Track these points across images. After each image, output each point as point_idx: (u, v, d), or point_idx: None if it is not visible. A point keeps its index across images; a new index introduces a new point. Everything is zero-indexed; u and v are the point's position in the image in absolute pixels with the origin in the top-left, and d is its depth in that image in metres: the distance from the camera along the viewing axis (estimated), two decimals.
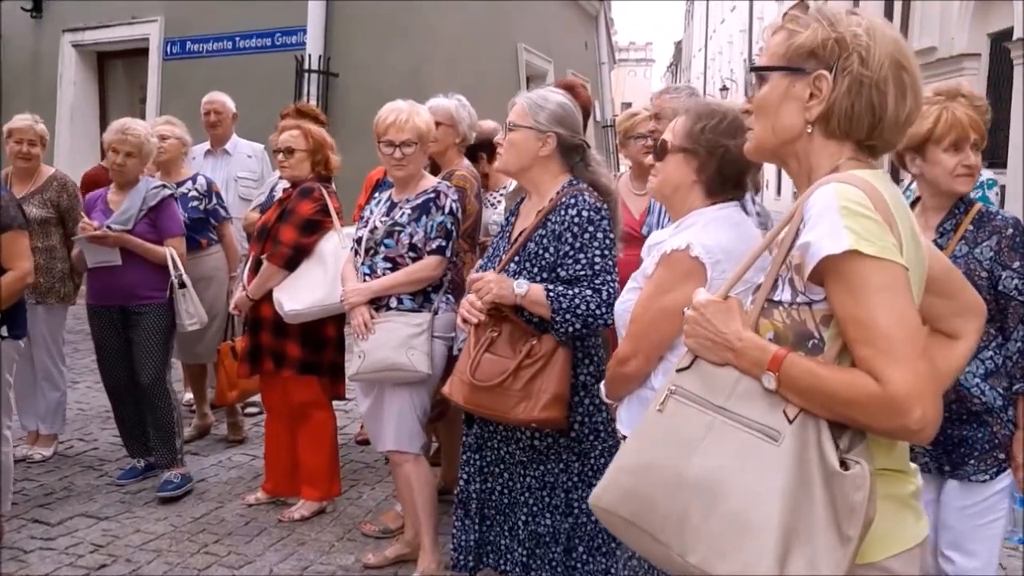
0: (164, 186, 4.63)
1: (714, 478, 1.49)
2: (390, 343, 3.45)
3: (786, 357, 1.47)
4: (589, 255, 2.73)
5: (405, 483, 3.64)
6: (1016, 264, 2.51)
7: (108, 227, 4.37)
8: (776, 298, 1.55)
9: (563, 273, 2.74)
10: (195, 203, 5.05)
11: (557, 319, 2.69)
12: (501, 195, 4.54)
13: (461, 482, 3.05)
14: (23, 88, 10.77)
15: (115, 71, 11.33)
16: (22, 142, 4.82)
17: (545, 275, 2.77)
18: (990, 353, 2.53)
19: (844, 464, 1.43)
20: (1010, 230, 2.54)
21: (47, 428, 5.09)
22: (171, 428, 4.54)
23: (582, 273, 2.72)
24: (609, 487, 1.66)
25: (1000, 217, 2.58)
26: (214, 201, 5.18)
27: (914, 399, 1.36)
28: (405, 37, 8.90)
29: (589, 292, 2.69)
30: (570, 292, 2.70)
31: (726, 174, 2.22)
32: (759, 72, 1.67)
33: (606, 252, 2.75)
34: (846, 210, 1.42)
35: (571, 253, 2.74)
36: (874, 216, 1.42)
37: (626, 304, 2.29)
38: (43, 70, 11.00)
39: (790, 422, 1.46)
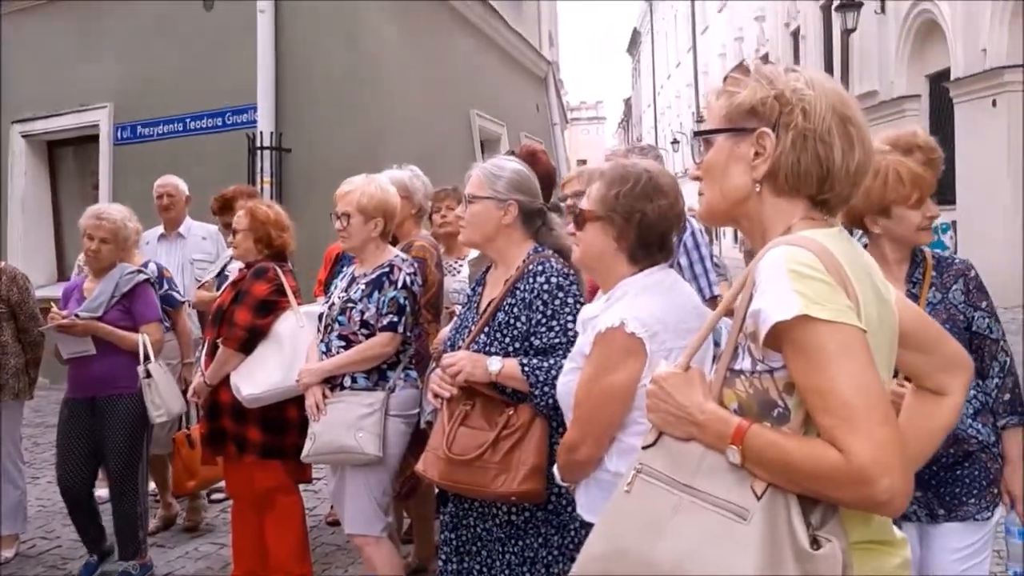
0: (140, 271, 4.56)
1: (681, 563, 1.42)
2: (340, 424, 3.41)
3: (748, 429, 1.41)
4: (562, 322, 2.70)
5: (370, 565, 3.56)
6: (984, 304, 2.57)
7: (76, 315, 4.29)
8: (737, 367, 1.50)
9: (537, 342, 2.71)
10: None
11: (536, 392, 2.65)
12: (463, 262, 4.54)
13: (440, 563, 2.96)
14: None
15: (66, 159, 11.26)
16: None
17: (517, 345, 2.73)
18: (973, 392, 2.56)
19: (816, 542, 1.36)
20: (972, 272, 2.60)
21: (8, 528, 4.93)
22: (135, 520, 4.42)
23: (556, 341, 2.69)
24: (581, 572, 1.60)
25: (958, 261, 2.64)
26: (166, 287, 5.11)
27: (880, 469, 1.30)
28: (357, 110, 8.94)
29: (564, 361, 2.64)
30: (545, 364, 2.66)
31: (647, 240, 2.19)
32: (703, 136, 1.64)
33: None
34: (795, 273, 1.38)
35: (544, 321, 2.71)
36: (825, 278, 1.38)
37: (568, 385, 2.24)
38: None
39: (758, 498, 1.39)
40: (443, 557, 2.95)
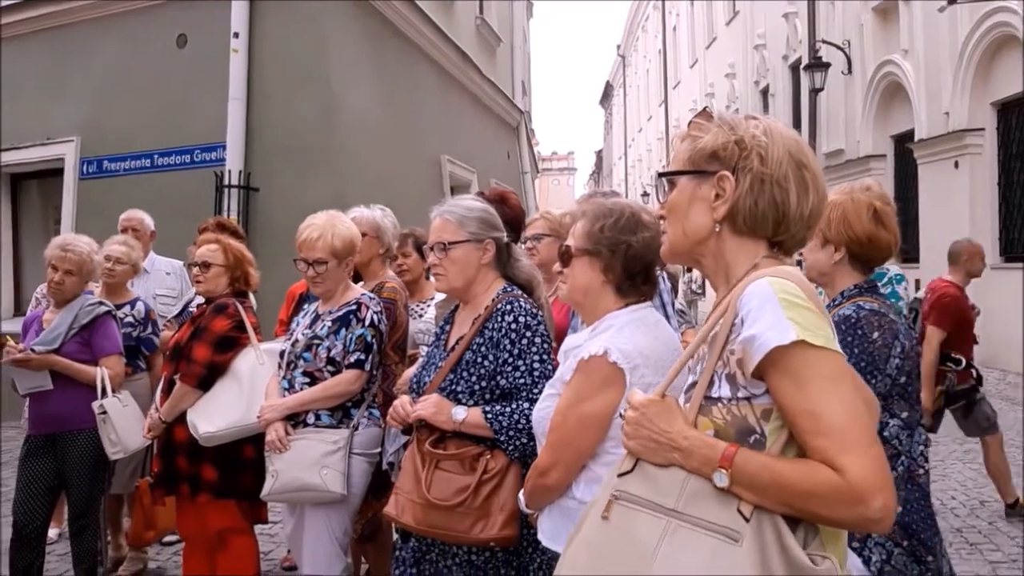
0: (101, 303, 4.46)
1: None
2: (303, 462, 3.35)
3: (737, 453, 1.45)
4: (528, 362, 2.69)
5: None
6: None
7: (32, 348, 4.18)
8: (714, 395, 1.54)
9: (503, 382, 2.69)
10: (128, 329, 4.86)
11: (502, 439, 2.62)
12: (425, 305, 4.51)
13: None
14: None
15: (29, 192, 11.14)
16: None
17: (484, 384, 2.71)
18: None
19: (812, 560, 1.40)
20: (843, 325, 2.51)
21: None
22: (95, 555, 4.31)
23: (521, 381, 2.67)
24: None
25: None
26: (149, 330, 5.02)
27: (874, 488, 1.36)
28: (326, 151, 8.94)
29: (527, 404, 2.61)
30: (507, 409, 2.64)
31: (632, 270, 2.23)
32: (667, 177, 1.71)
33: (544, 357, 2.71)
34: (786, 302, 1.45)
35: (510, 360, 2.69)
36: (811, 307, 1.46)
37: (544, 411, 2.25)
38: None
39: (747, 520, 1.43)
40: None
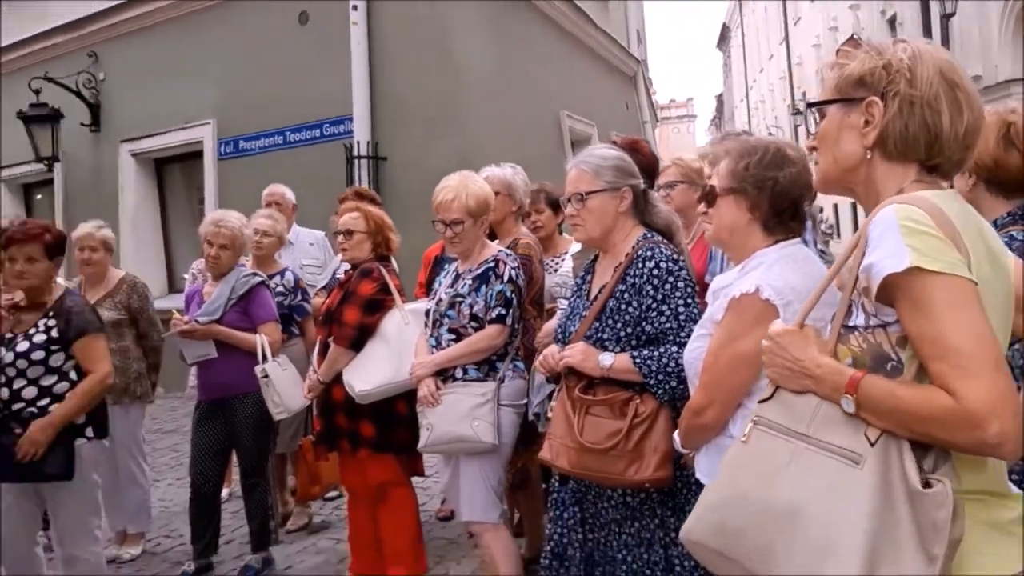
0: (255, 274, 4.72)
1: (797, 506, 1.52)
2: (455, 415, 3.48)
3: (863, 379, 1.49)
4: (672, 306, 2.71)
5: (487, 553, 3.62)
6: None
7: (196, 320, 4.47)
8: (851, 323, 1.58)
9: (648, 327, 2.72)
10: (280, 298, 5.10)
11: (652, 383, 2.66)
12: (559, 259, 4.57)
13: (556, 536, 2.94)
14: (87, 200, 11.20)
15: (172, 175, 11.72)
16: (84, 249, 4.98)
17: (629, 330, 2.74)
18: None
19: (927, 484, 1.43)
20: None
21: (134, 527, 5.16)
22: (266, 512, 4.61)
23: (667, 326, 2.69)
24: (698, 521, 1.71)
25: None
26: (299, 297, 5.26)
27: (990, 412, 1.36)
28: (449, 116, 9.07)
29: (675, 348, 2.63)
30: (656, 353, 2.67)
31: (780, 207, 2.20)
32: (816, 106, 1.72)
33: (689, 301, 2.72)
34: (906, 228, 1.45)
35: (654, 306, 2.71)
36: (935, 233, 1.45)
37: (696, 352, 2.26)
38: (104, 181, 11.43)
39: (872, 444, 1.48)
40: (562, 530, 2.92)
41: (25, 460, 3.56)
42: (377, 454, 4.10)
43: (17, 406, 3.64)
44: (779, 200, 2.18)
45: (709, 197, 2.29)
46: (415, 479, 4.39)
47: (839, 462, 1.50)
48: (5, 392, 3.66)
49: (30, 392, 3.65)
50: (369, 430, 4.08)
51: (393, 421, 4.10)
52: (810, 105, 1.75)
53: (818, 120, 1.72)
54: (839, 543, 1.45)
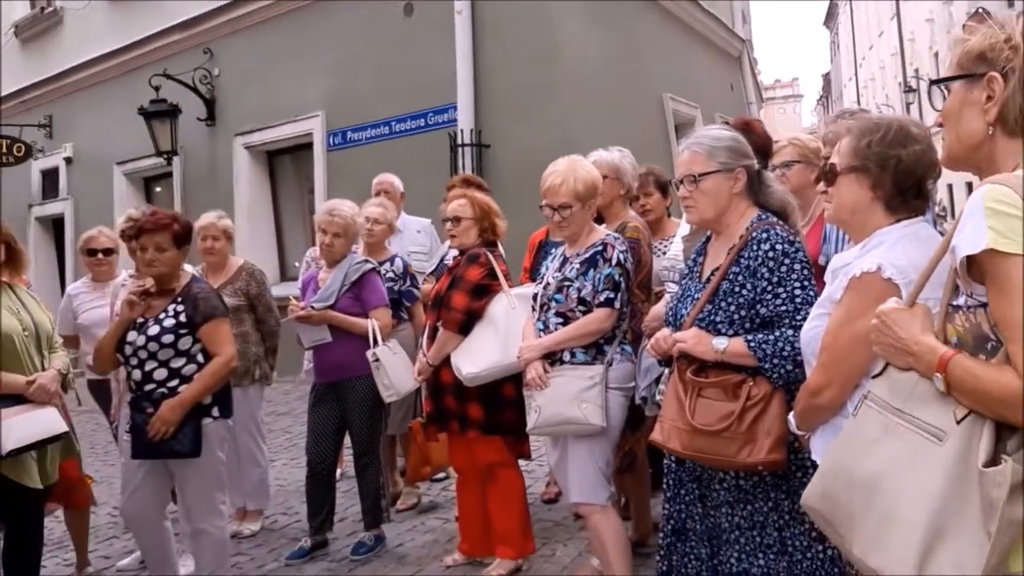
0: (367, 261, 4.86)
1: (877, 477, 1.62)
2: (563, 397, 3.51)
3: (952, 358, 1.53)
4: (788, 288, 2.67)
5: (595, 534, 3.65)
6: None
7: (311, 306, 4.64)
8: (956, 303, 1.61)
9: (763, 310, 2.69)
10: (390, 284, 5.20)
11: (767, 366, 2.64)
12: (668, 242, 4.55)
13: (675, 514, 2.93)
14: (204, 192, 11.70)
15: (284, 166, 12.10)
16: (207, 238, 5.20)
17: (743, 313, 2.72)
18: None
19: (995, 463, 1.46)
20: None
21: (253, 504, 5.39)
22: (377, 491, 4.76)
23: (783, 308, 2.66)
24: (812, 487, 1.85)
25: None
26: (408, 283, 5.38)
27: None
28: (551, 101, 9.10)
29: (791, 332, 2.60)
30: (771, 337, 2.65)
31: (904, 185, 2.14)
32: (943, 83, 1.72)
33: (806, 283, 2.68)
34: (991, 209, 1.47)
35: (769, 288, 2.68)
36: (1018, 214, 1.45)
37: (813, 331, 2.22)
38: (219, 173, 11.90)
39: (957, 423, 1.51)
40: (681, 506, 2.91)
41: (156, 438, 3.76)
42: (485, 436, 4.19)
43: (148, 387, 3.85)
44: (902, 178, 2.13)
45: (829, 176, 2.24)
46: (521, 462, 4.46)
47: (923, 438, 1.56)
48: (137, 374, 3.87)
49: (160, 374, 3.85)
50: (477, 412, 4.16)
51: (500, 403, 4.18)
52: (933, 82, 1.73)
53: (946, 96, 1.71)
54: (905, 515, 1.53)
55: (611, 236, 3.72)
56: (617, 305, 3.56)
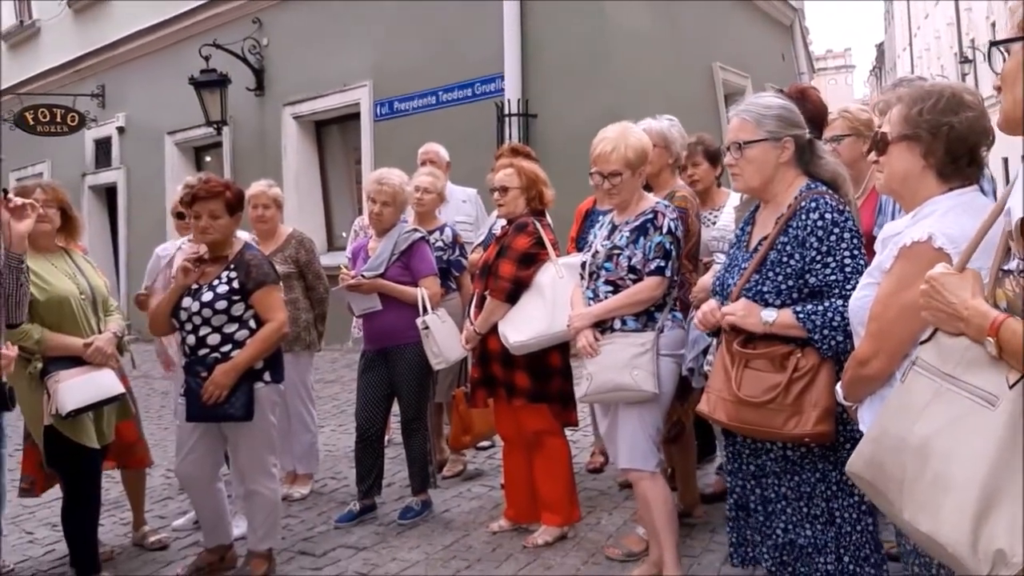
0: (416, 230, 4.89)
1: (928, 442, 1.62)
2: (615, 364, 3.51)
3: (1004, 321, 1.52)
4: (838, 258, 2.64)
5: (643, 501, 3.66)
6: None
7: (362, 275, 4.69)
8: (1007, 267, 1.61)
9: (812, 280, 2.67)
10: (439, 253, 5.22)
11: (816, 338, 2.62)
12: (717, 212, 4.52)
13: (738, 488, 2.93)
14: (253, 161, 11.80)
15: (331, 136, 12.16)
16: (257, 206, 5.26)
17: (791, 283, 2.70)
18: None
19: None
20: None
21: (303, 468, 5.48)
22: (424, 457, 4.81)
23: (832, 278, 2.64)
24: (857, 454, 1.86)
25: None
26: (457, 253, 5.41)
27: None
28: (599, 72, 9.02)
29: (840, 302, 2.58)
30: (820, 308, 2.62)
31: (956, 152, 2.10)
32: (1002, 46, 1.70)
33: (856, 253, 2.65)
34: None
35: (818, 258, 2.66)
36: None
37: (862, 300, 2.20)
38: (268, 143, 12.00)
39: (1010, 387, 1.51)
40: (742, 480, 2.92)
41: (210, 402, 3.83)
42: (531, 404, 4.21)
43: (202, 352, 3.92)
44: (955, 146, 2.09)
45: (880, 145, 2.20)
46: (567, 432, 4.48)
47: (975, 403, 1.55)
48: (192, 339, 3.95)
49: (214, 339, 3.92)
50: (524, 380, 4.18)
51: (547, 372, 4.20)
52: (993, 44, 1.71)
53: (1005, 59, 1.68)
54: (957, 480, 1.53)
55: (661, 204, 3.69)
56: (668, 273, 3.55)
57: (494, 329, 4.22)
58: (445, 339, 4.62)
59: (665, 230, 3.56)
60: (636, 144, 3.66)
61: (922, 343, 1.74)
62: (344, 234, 10.47)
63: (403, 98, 10.50)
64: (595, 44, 9.08)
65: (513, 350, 4.11)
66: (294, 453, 5.45)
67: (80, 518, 4.05)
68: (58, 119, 14.05)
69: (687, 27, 10.79)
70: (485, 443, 5.88)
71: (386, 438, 5.74)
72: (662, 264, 3.53)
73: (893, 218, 3.23)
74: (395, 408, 4.97)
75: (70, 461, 3.97)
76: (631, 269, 3.56)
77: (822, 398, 2.59)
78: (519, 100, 9.18)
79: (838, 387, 2.37)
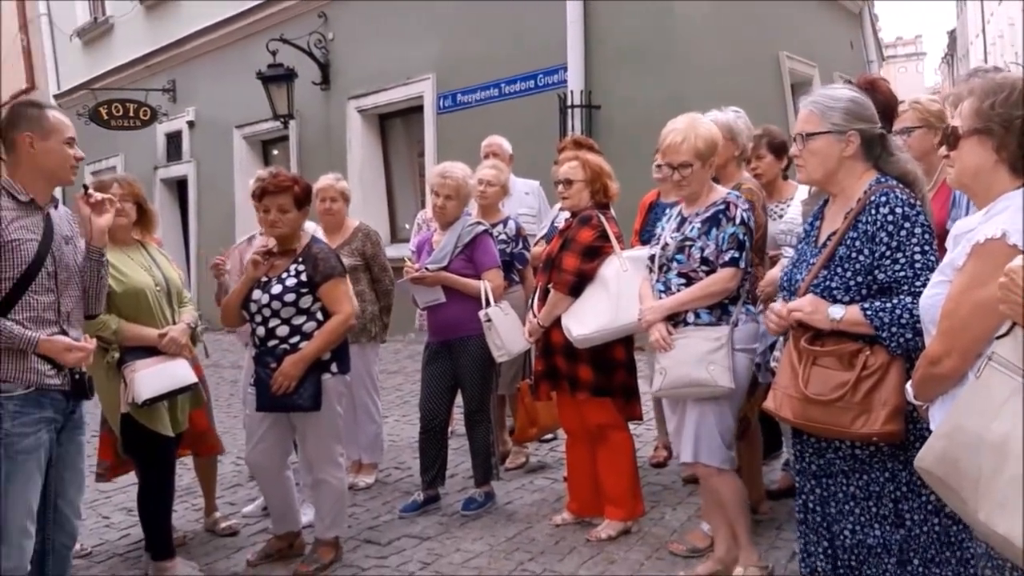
0: (479, 223, 4.92)
1: (1007, 439, 1.60)
2: (690, 359, 3.48)
3: None
4: (908, 254, 2.59)
5: (712, 497, 3.63)
6: None
7: (426, 268, 4.74)
8: None
9: (881, 276, 2.62)
10: (502, 246, 5.24)
11: (884, 335, 2.57)
12: (783, 206, 4.46)
13: (807, 488, 2.87)
14: (319, 155, 11.97)
15: (395, 129, 12.25)
16: (325, 200, 5.33)
17: (860, 279, 2.65)
18: None
19: None
20: None
21: (368, 458, 5.56)
22: (487, 448, 4.85)
23: (902, 274, 2.58)
24: (928, 449, 1.84)
25: None
26: (520, 246, 5.42)
27: None
28: (663, 62, 8.93)
29: (909, 299, 2.52)
30: (888, 305, 2.57)
31: None
32: None
33: (926, 248, 2.59)
34: None
35: (888, 254, 2.60)
36: None
37: (934, 298, 2.14)
38: (333, 136, 12.14)
39: None
40: (811, 481, 2.86)
41: (279, 392, 3.91)
42: (595, 397, 4.21)
43: (272, 343, 4.00)
44: None
45: (951, 139, 2.15)
46: (630, 426, 4.46)
47: None
48: (261, 330, 4.03)
49: (283, 330, 3.99)
50: (587, 374, 4.18)
51: (611, 365, 4.19)
52: None
53: None
54: None
55: (733, 194, 3.65)
56: (742, 265, 3.51)
57: (557, 322, 4.22)
58: (508, 332, 4.63)
59: (738, 220, 3.52)
60: (706, 134, 3.63)
61: (998, 338, 1.69)
62: (407, 226, 10.55)
63: (466, 90, 10.53)
64: (658, 34, 8.99)
65: (576, 343, 4.11)
66: (360, 443, 5.53)
67: (155, 504, 4.17)
68: (131, 113, 14.39)
69: (752, 15, 10.60)
70: (548, 436, 5.90)
71: (449, 429, 5.80)
72: (736, 255, 3.49)
73: (967, 211, 3.16)
74: (458, 400, 5.01)
75: (146, 448, 4.08)
76: (703, 260, 3.52)
77: (891, 396, 2.54)
78: (582, 91, 9.15)
79: (908, 386, 2.32)
